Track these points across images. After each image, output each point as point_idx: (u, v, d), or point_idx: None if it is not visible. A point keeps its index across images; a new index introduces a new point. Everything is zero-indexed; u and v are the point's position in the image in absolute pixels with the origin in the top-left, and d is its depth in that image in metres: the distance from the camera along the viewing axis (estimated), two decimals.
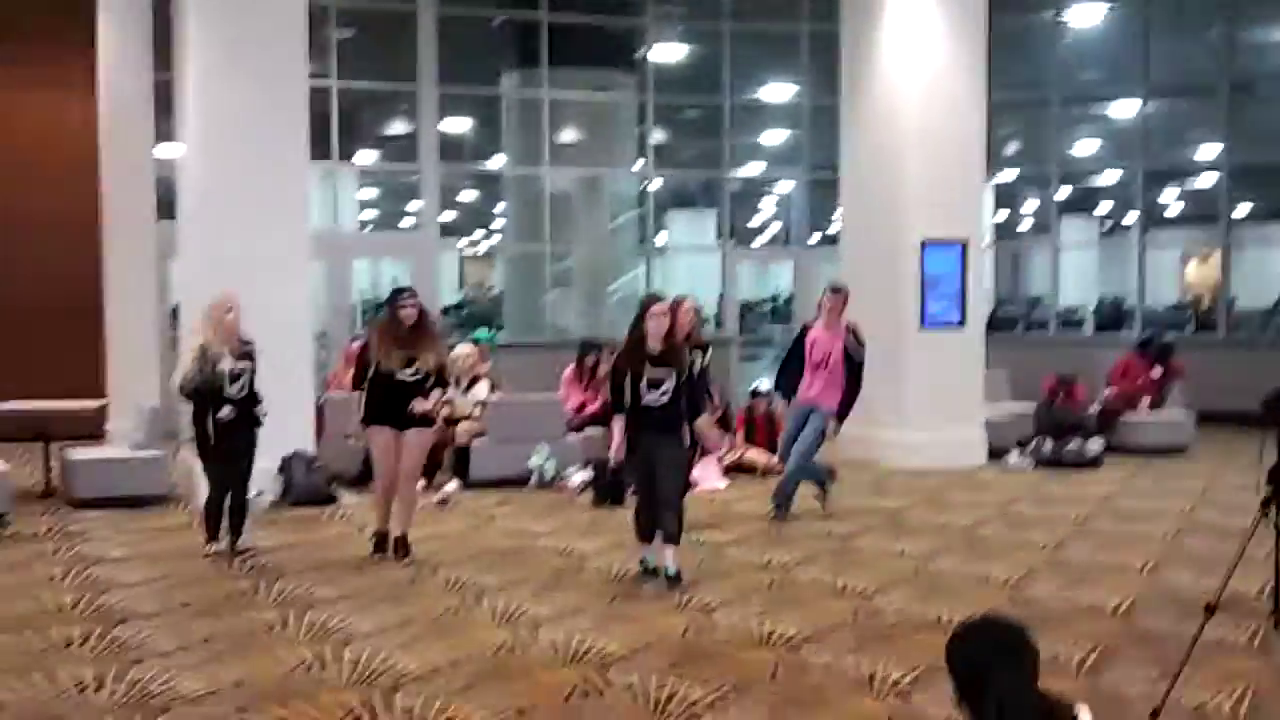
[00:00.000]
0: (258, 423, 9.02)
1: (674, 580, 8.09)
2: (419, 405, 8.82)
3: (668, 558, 8.17)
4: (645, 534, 8.32)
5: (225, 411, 8.79)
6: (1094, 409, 14.50)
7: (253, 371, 8.93)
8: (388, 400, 8.82)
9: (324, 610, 7.52)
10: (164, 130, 13.31)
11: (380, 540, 9.09)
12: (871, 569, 8.64)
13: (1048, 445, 13.57)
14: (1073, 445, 13.46)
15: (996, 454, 13.59)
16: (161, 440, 11.56)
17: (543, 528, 10.22)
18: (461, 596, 7.86)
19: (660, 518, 8.16)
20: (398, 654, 6.62)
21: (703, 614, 7.48)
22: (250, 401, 8.94)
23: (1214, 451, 14.08)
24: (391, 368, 8.77)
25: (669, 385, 8.10)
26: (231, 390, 8.83)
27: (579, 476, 11.91)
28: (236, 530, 9.08)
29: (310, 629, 7.12)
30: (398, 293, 9.16)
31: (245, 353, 8.93)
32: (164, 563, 8.84)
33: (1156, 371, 14.80)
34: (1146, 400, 14.68)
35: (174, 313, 13.22)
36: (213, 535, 9.02)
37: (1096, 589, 8.04)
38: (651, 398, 8.09)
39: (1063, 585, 8.16)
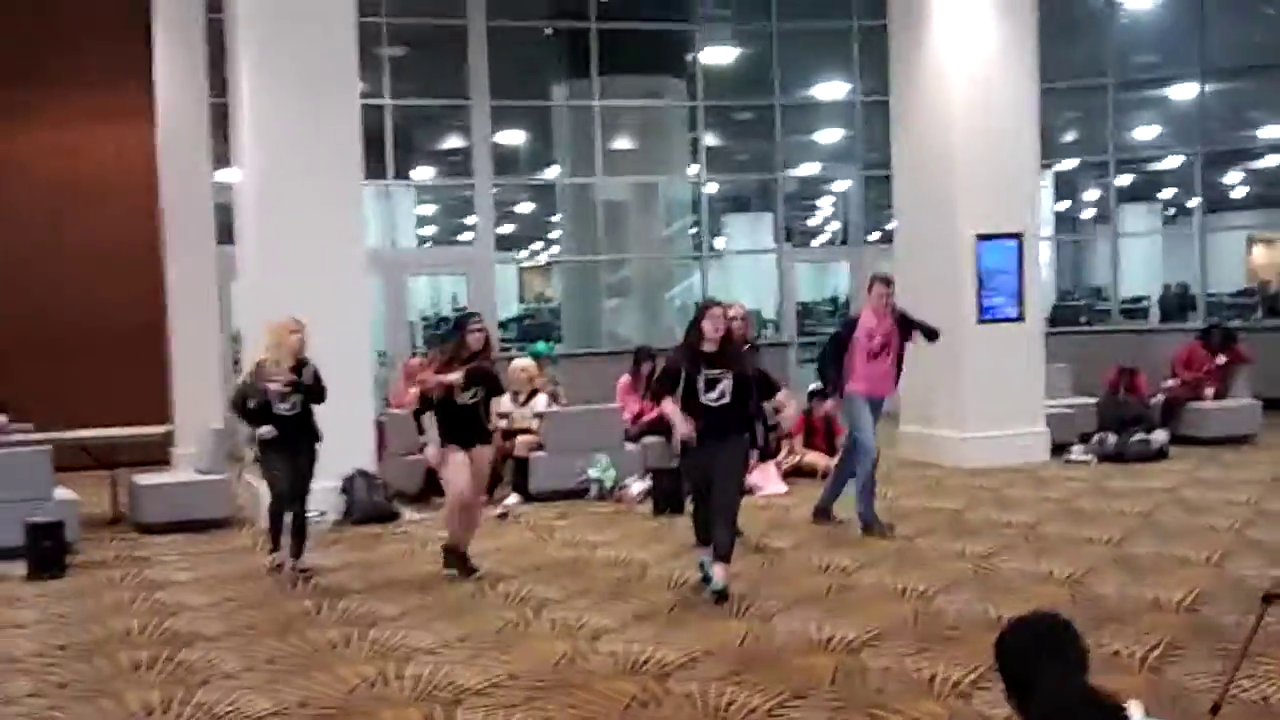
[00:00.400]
0: (316, 437, 9.20)
1: (721, 596, 7.95)
2: (447, 376, 8.77)
3: (717, 574, 8.03)
4: (703, 537, 8.26)
5: (265, 429, 8.99)
6: (1158, 400, 14.31)
7: (304, 389, 9.04)
8: (455, 422, 8.86)
9: (386, 627, 7.59)
10: (222, 154, 13.50)
11: (451, 554, 9.06)
12: (932, 570, 8.58)
13: (1111, 439, 13.40)
14: (1136, 438, 13.29)
15: (1059, 449, 13.44)
16: (226, 463, 11.72)
17: (602, 538, 10.24)
18: (522, 610, 7.89)
19: (714, 530, 8.09)
20: (459, 669, 6.66)
21: (762, 620, 7.46)
22: (305, 416, 9.10)
23: None
24: (452, 393, 8.84)
25: (725, 386, 8.03)
26: (282, 408, 8.99)
27: (638, 486, 11.92)
28: (298, 549, 9.16)
29: (372, 646, 7.18)
30: (465, 318, 9.29)
31: (298, 372, 9.03)
32: (229, 585, 8.95)
33: (1220, 359, 14.57)
34: (1211, 389, 14.46)
35: (235, 337, 13.39)
36: (276, 544, 9.19)
37: (1161, 583, 7.94)
38: (710, 398, 8.02)
39: (1126, 581, 8.07)
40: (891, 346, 10.11)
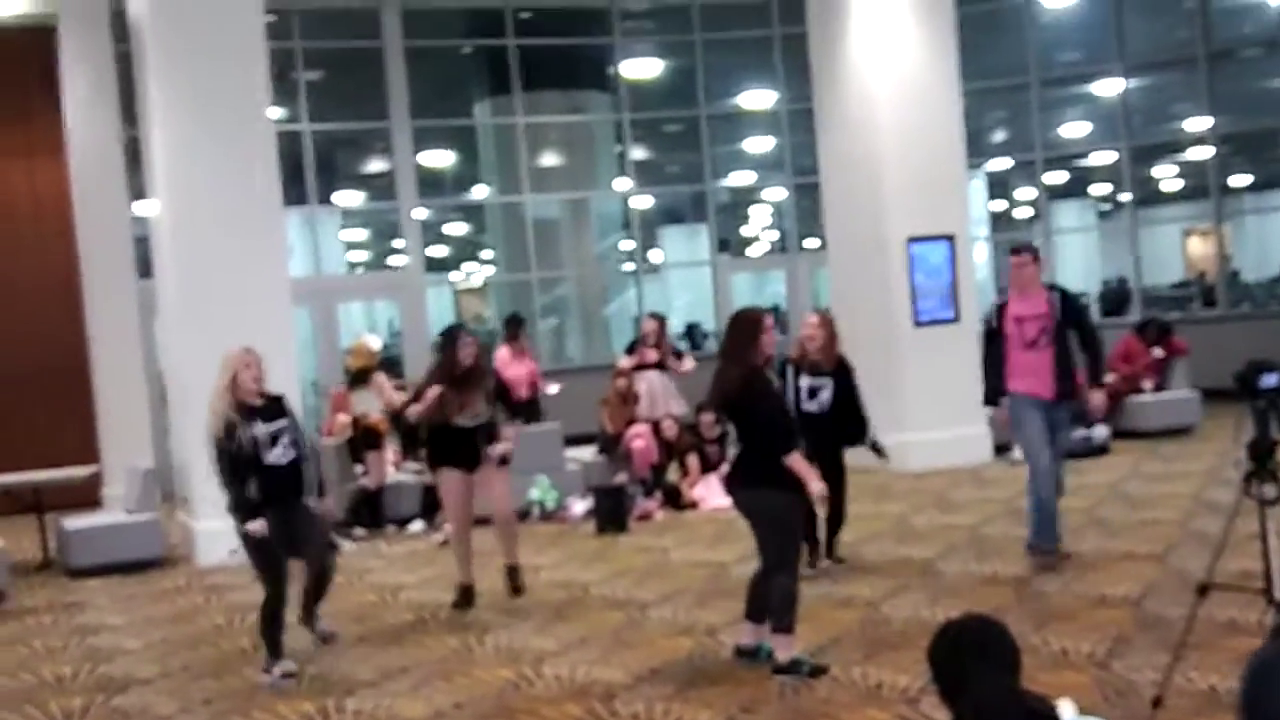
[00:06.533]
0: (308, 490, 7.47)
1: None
2: (498, 450, 8.62)
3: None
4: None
5: (257, 525, 7.11)
6: None
7: (295, 429, 7.45)
8: (451, 443, 8.56)
9: (326, 661, 7.43)
10: (139, 187, 13.23)
11: (465, 593, 8.59)
12: (878, 576, 8.51)
13: None
14: (1078, 434, 13.26)
15: (1001, 450, 13.41)
16: (158, 502, 11.45)
17: (545, 560, 10.08)
18: (464, 637, 7.75)
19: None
20: (402, 701, 6.54)
21: (708, 636, 7.37)
22: (297, 466, 7.37)
23: (1222, 429, 13.84)
24: (447, 414, 8.49)
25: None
26: (274, 455, 7.24)
27: (580, 506, 11.77)
28: (312, 606, 7.81)
29: (312, 682, 7.02)
30: (454, 331, 8.92)
31: (275, 409, 7.39)
32: (163, 626, 8.73)
33: (1157, 352, 14.64)
34: (1149, 383, 14.51)
35: (159, 374, 13.12)
36: (277, 651, 7.22)
37: (1106, 579, 7.91)
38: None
39: (1071, 578, 8.03)
40: (1048, 333, 8.36)
